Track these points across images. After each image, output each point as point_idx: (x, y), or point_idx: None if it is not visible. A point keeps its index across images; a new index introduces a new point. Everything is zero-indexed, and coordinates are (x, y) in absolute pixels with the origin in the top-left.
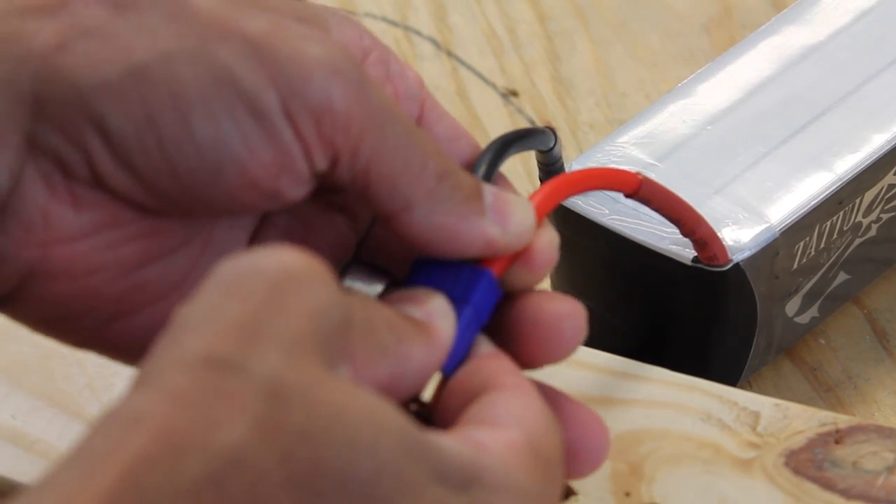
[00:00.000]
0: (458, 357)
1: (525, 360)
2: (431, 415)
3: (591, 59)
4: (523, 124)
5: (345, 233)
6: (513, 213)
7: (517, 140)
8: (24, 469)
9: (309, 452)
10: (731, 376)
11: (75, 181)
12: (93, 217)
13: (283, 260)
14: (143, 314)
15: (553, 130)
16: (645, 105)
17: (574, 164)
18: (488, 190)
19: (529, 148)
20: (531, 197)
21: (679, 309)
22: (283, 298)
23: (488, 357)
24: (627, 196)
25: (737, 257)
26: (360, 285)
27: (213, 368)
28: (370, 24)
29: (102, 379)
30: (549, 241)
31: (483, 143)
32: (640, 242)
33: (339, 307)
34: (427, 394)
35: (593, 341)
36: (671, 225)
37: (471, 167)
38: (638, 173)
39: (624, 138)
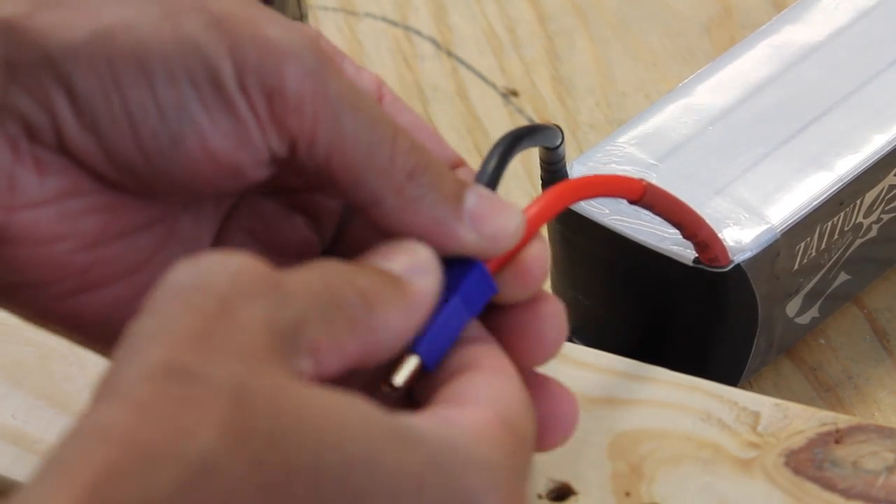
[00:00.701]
0: (441, 347)
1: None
2: (411, 393)
3: (591, 59)
4: (523, 124)
5: (308, 235)
6: (493, 218)
7: (528, 135)
8: (24, 469)
9: (278, 456)
10: (731, 377)
11: (40, 145)
12: (56, 183)
13: (231, 267)
14: (103, 292)
15: (559, 128)
16: (645, 105)
17: (575, 163)
18: (474, 192)
19: (538, 143)
20: (532, 204)
21: (680, 309)
22: (234, 309)
23: (471, 339)
24: (631, 203)
25: (738, 258)
26: None
27: (175, 377)
28: (370, 24)
29: None
30: (540, 253)
31: (484, 142)
32: (641, 243)
33: (289, 308)
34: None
35: (594, 341)
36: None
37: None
38: (642, 180)
39: (624, 138)
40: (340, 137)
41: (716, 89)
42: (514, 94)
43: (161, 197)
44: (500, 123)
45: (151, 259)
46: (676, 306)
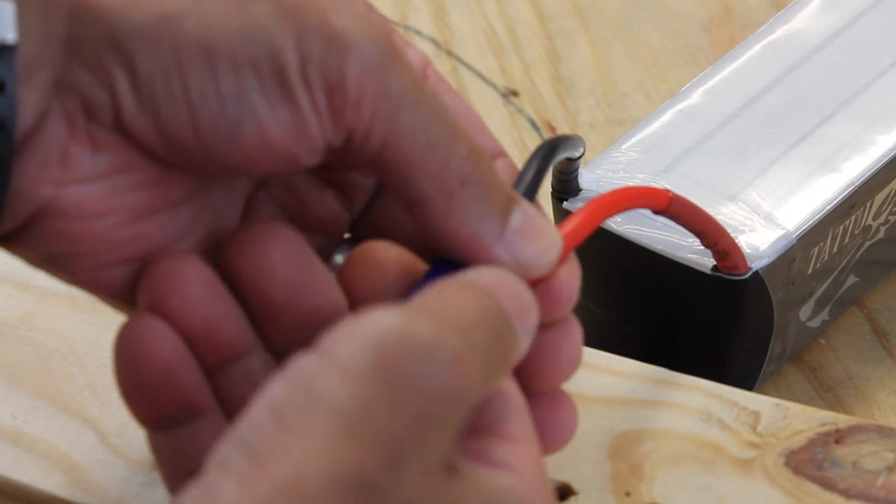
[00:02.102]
0: None
1: (523, 384)
2: None
3: (591, 59)
4: (523, 124)
5: (337, 210)
6: (534, 244)
7: (560, 145)
8: (24, 469)
9: None
10: (746, 383)
11: (96, 123)
12: (109, 160)
13: (427, 343)
14: (141, 264)
15: (581, 138)
16: (645, 105)
17: (584, 171)
18: (521, 210)
19: (568, 154)
20: (564, 224)
21: (697, 317)
22: (433, 412)
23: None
24: (656, 213)
25: (756, 265)
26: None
27: (360, 492)
28: None
29: (102, 379)
30: (570, 279)
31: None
32: (658, 252)
33: (478, 395)
34: None
35: (609, 349)
36: (688, 233)
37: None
38: (667, 191)
39: (630, 144)
40: (396, 134)
41: (719, 93)
42: (514, 94)
43: (209, 173)
44: (500, 123)
45: (189, 230)
46: (693, 314)
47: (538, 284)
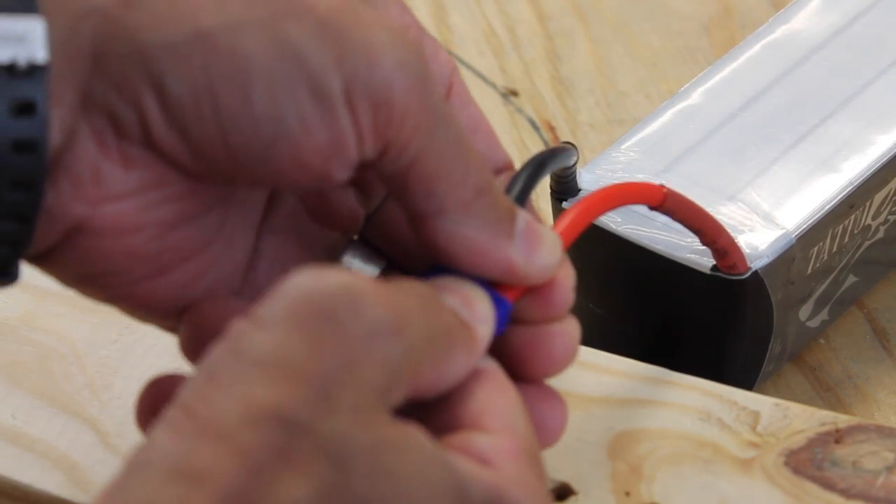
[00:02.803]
0: None
1: (515, 373)
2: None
3: (591, 59)
4: (523, 124)
5: (355, 208)
6: (541, 245)
7: (550, 159)
8: (24, 469)
9: None
10: (746, 384)
11: (126, 140)
12: (141, 176)
13: (351, 292)
14: (171, 275)
15: (575, 147)
16: (645, 105)
17: (583, 171)
18: (522, 216)
19: (559, 166)
20: (558, 221)
21: (696, 317)
22: (355, 347)
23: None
24: (652, 209)
25: (755, 265)
26: (357, 264)
27: (283, 427)
28: None
29: (102, 379)
30: (566, 280)
31: None
32: (657, 251)
33: (404, 343)
34: None
35: (608, 349)
36: (687, 233)
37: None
38: (662, 186)
39: (629, 144)
40: (429, 148)
41: (718, 93)
42: (514, 94)
43: (237, 185)
44: (500, 123)
45: (215, 237)
46: (692, 314)
47: (536, 290)
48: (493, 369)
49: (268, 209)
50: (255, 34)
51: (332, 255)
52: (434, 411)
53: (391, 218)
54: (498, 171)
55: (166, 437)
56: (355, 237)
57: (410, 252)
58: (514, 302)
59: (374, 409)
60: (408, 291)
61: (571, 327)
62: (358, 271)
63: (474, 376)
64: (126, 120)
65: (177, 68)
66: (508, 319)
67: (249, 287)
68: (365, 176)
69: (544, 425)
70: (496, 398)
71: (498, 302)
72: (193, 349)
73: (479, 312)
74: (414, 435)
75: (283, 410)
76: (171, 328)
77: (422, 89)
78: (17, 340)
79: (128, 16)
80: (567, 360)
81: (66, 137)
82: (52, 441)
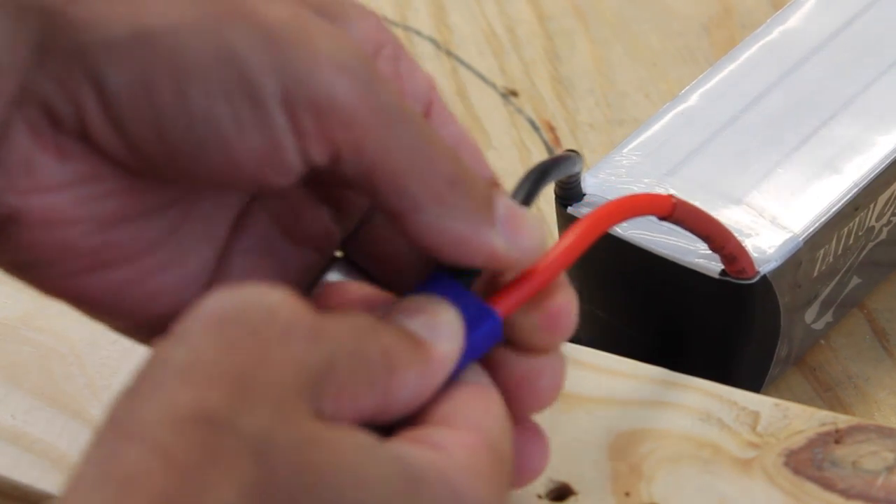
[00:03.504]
0: None
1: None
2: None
3: (591, 59)
4: (523, 124)
5: (331, 227)
6: (522, 227)
7: (553, 168)
8: (24, 469)
9: None
10: (753, 387)
11: (62, 132)
12: (76, 169)
13: (269, 302)
14: (116, 271)
15: (579, 154)
16: (645, 105)
17: (587, 176)
18: (501, 201)
19: (563, 174)
20: (567, 234)
21: (703, 322)
22: (270, 350)
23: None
24: (661, 219)
25: (764, 269)
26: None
27: (204, 426)
28: None
29: (102, 379)
30: (569, 303)
31: (484, 143)
32: (665, 256)
33: (322, 350)
34: None
35: (614, 354)
36: (694, 237)
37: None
38: (671, 196)
39: (631, 148)
40: (387, 147)
41: (719, 95)
42: (514, 94)
43: (182, 185)
44: (500, 123)
45: (165, 241)
46: (700, 319)
47: (531, 298)
48: (481, 382)
49: (238, 228)
50: (197, 36)
51: (308, 277)
52: (411, 421)
53: (373, 236)
54: None
55: (95, 448)
56: (338, 254)
57: (395, 269)
58: (509, 314)
59: (295, 408)
60: (337, 316)
61: (560, 363)
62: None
63: (456, 385)
64: (63, 113)
65: (117, 65)
66: (500, 334)
67: None
68: (339, 193)
69: (524, 463)
70: (472, 403)
71: (485, 314)
72: None
73: (442, 331)
74: (348, 432)
75: (204, 411)
76: (144, 341)
77: (367, 88)
78: (17, 340)
79: (72, 11)
80: (552, 397)
81: (1, 128)
82: (52, 441)
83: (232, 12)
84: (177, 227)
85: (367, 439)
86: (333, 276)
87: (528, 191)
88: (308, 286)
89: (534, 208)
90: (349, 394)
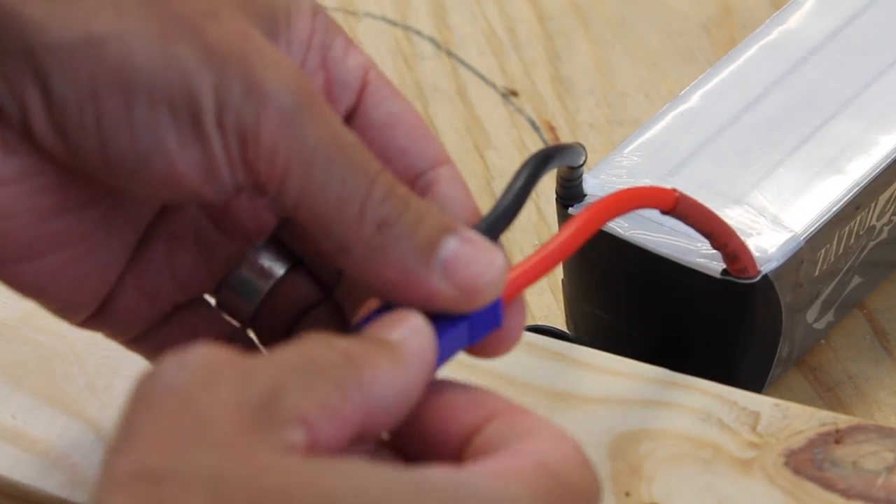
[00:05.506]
0: None
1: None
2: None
3: (591, 59)
4: (523, 124)
5: (264, 218)
6: (471, 265)
7: (556, 155)
8: (24, 469)
9: None
10: (754, 387)
11: (6, 128)
12: (19, 164)
13: (191, 363)
14: (47, 259)
15: (583, 147)
16: (645, 105)
17: (588, 176)
18: (456, 237)
19: (566, 164)
20: (569, 224)
21: (705, 321)
22: (197, 401)
23: (474, 388)
24: (663, 213)
25: (765, 268)
26: (264, 263)
27: (147, 481)
28: (370, 24)
29: (102, 379)
30: (518, 322)
31: (483, 142)
32: (666, 256)
33: (257, 383)
34: None
35: (616, 354)
36: (695, 237)
37: (408, 159)
38: (674, 190)
39: (632, 148)
40: (309, 190)
41: (719, 95)
42: (514, 94)
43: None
44: (500, 123)
45: (96, 229)
46: (702, 318)
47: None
48: (545, 425)
49: (163, 213)
50: (144, 46)
51: (233, 263)
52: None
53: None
54: (431, 167)
55: None
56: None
57: (327, 255)
58: (511, 297)
59: (247, 444)
60: (280, 348)
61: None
62: (264, 270)
63: (494, 409)
64: (9, 110)
65: (64, 71)
66: (467, 337)
67: (134, 289)
68: None
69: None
70: (539, 442)
71: (455, 320)
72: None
73: (404, 328)
74: (321, 460)
75: (144, 470)
76: (72, 320)
77: (294, 126)
78: (17, 340)
79: (24, 12)
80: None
81: None
82: (52, 441)
83: (181, 28)
84: (108, 215)
85: (343, 460)
86: (266, 262)
87: (528, 175)
88: (234, 268)
89: (534, 209)
90: (319, 409)
